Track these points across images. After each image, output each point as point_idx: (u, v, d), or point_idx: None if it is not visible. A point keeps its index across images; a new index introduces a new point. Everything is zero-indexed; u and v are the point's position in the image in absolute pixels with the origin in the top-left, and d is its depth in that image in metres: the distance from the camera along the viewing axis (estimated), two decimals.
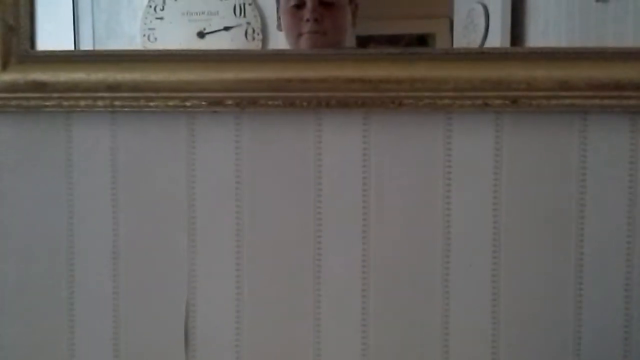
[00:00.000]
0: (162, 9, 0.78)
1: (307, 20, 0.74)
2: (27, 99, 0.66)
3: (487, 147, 0.67)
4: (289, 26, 0.76)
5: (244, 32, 0.78)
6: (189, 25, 0.78)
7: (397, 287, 0.68)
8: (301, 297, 0.68)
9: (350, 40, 0.77)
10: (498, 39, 0.76)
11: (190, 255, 0.69)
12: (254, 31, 0.78)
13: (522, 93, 0.64)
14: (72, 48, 0.75)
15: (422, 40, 0.79)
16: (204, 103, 0.65)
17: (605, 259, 0.67)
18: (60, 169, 0.69)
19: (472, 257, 0.67)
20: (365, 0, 0.77)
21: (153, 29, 0.78)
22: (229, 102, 0.65)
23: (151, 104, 0.65)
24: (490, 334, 0.67)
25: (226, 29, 0.78)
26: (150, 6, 0.78)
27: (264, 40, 0.78)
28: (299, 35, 0.75)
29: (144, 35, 0.78)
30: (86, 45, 0.77)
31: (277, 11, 0.77)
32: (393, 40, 0.79)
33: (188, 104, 0.65)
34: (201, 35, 0.78)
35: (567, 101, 0.64)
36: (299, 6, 0.74)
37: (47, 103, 0.66)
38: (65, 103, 0.66)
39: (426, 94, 0.65)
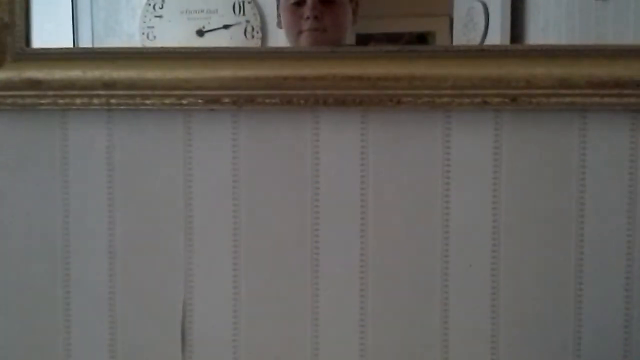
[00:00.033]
0: (161, 7, 0.78)
1: (307, 17, 0.74)
2: (23, 97, 0.66)
3: (487, 145, 0.67)
4: (289, 23, 0.76)
5: (243, 30, 0.78)
6: (188, 23, 0.78)
7: (395, 286, 0.68)
8: (299, 297, 0.68)
9: (350, 39, 0.77)
10: (498, 37, 0.75)
11: (187, 254, 0.69)
12: (253, 29, 0.78)
13: (521, 91, 0.64)
14: (72, 47, 0.75)
15: (422, 38, 0.79)
16: (200, 101, 0.65)
17: (605, 258, 0.66)
18: (56, 167, 0.69)
19: (472, 256, 0.67)
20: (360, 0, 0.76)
21: (152, 27, 0.78)
22: (226, 100, 0.65)
23: (147, 102, 0.65)
24: (489, 335, 0.67)
25: (225, 27, 0.78)
26: (149, 4, 0.78)
27: (263, 39, 0.78)
28: (299, 32, 0.75)
29: (143, 34, 0.78)
30: (85, 44, 0.77)
31: (277, 8, 0.77)
32: (393, 38, 0.79)
33: (184, 102, 0.65)
34: (200, 33, 0.78)
35: (567, 99, 0.64)
36: (299, 3, 0.74)
37: (43, 101, 0.66)
38: (61, 101, 0.66)
39: (425, 91, 0.64)
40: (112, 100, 0.65)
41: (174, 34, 0.78)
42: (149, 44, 0.77)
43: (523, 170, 0.66)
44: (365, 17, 0.76)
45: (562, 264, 0.67)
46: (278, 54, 0.67)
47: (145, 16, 0.78)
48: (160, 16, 0.78)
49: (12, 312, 0.70)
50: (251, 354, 0.69)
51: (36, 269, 0.69)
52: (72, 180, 0.69)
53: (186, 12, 0.78)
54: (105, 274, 0.69)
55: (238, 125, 0.67)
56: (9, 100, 0.66)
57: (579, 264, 0.66)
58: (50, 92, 0.65)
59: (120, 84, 0.65)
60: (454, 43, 0.78)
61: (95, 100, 0.65)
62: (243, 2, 0.78)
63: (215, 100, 0.65)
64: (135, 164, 0.68)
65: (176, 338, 0.69)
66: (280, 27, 0.77)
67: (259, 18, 0.78)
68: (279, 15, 0.77)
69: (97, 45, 0.77)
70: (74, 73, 0.65)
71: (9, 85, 0.65)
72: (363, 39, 0.77)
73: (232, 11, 0.78)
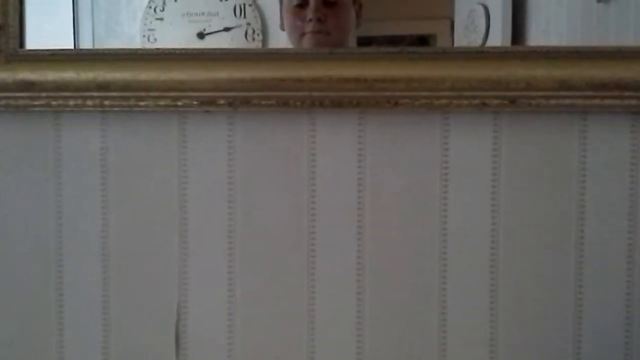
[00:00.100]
0: (162, 10, 0.79)
1: (310, 19, 0.74)
2: (16, 98, 0.65)
3: (485, 147, 0.66)
4: (292, 26, 0.76)
5: (244, 33, 0.78)
6: (189, 26, 0.78)
7: (393, 289, 0.67)
8: (295, 299, 0.68)
9: (351, 41, 0.77)
10: (499, 39, 0.75)
11: (181, 256, 0.68)
12: (254, 32, 0.78)
13: (521, 93, 0.63)
14: (65, 48, 0.74)
15: (423, 41, 0.79)
16: (195, 103, 0.65)
17: (605, 261, 0.66)
18: (49, 169, 0.68)
19: (470, 259, 0.67)
20: (367, 1, 0.76)
21: (153, 29, 0.78)
22: (222, 101, 0.65)
23: (142, 103, 0.65)
24: (488, 338, 0.67)
25: (226, 29, 0.79)
26: (150, 7, 0.79)
27: (264, 41, 0.79)
28: (302, 35, 0.75)
29: (144, 36, 0.78)
30: (86, 46, 0.77)
31: (280, 10, 0.77)
32: (394, 41, 0.79)
33: (179, 103, 0.65)
34: (201, 36, 0.78)
35: (567, 101, 0.64)
36: (302, 5, 0.74)
37: (36, 103, 0.65)
38: (54, 103, 0.65)
39: (423, 93, 0.64)
40: (106, 102, 0.65)
41: (175, 36, 0.78)
42: (150, 46, 0.78)
43: (522, 173, 0.66)
44: (367, 19, 0.76)
45: (562, 267, 0.66)
46: (274, 56, 0.66)
47: (146, 18, 0.78)
48: (161, 19, 0.78)
49: (4, 314, 0.69)
50: (246, 357, 0.68)
51: (29, 271, 0.69)
52: (65, 182, 0.68)
53: (187, 14, 0.79)
54: (99, 276, 0.69)
55: (234, 127, 0.67)
56: (2, 102, 0.66)
57: (579, 267, 0.66)
58: (44, 94, 0.65)
59: (114, 86, 0.65)
60: (456, 46, 0.78)
61: (89, 102, 0.65)
62: (244, 5, 0.79)
63: (211, 102, 0.65)
64: (130, 166, 0.68)
65: (170, 341, 0.68)
66: (283, 29, 0.77)
67: (259, 21, 0.78)
68: (282, 17, 0.77)
69: (97, 47, 0.77)
70: (68, 74, 0.65)
71: (2, 87, 0.65)
72: (364, 42, 0.77)
73: (233, 14, 0.79)
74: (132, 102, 0.65)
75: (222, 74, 0.64)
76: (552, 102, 0.63)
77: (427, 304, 0.67)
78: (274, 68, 0.64)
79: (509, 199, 0.66)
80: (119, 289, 0.69)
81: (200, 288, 0.68)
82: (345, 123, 0.67)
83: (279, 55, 0.66)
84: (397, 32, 0.79)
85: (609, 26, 0.71)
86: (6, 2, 0.65)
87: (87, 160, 0.68)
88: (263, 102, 0.64)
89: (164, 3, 0.78)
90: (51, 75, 0.65)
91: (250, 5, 0.78)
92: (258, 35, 0.78)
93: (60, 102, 0.65)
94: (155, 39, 0.78)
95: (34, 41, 0.68)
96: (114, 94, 0.65)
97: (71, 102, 0.65)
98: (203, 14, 0.79)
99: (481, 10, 0.77)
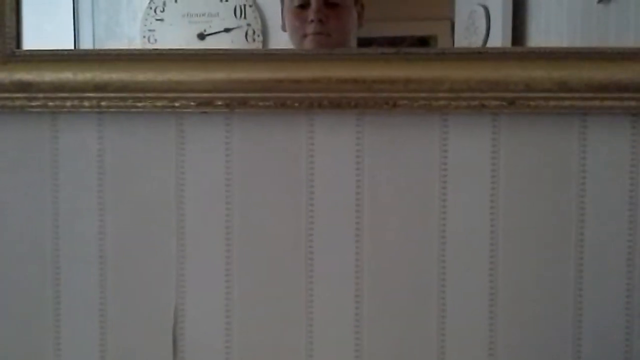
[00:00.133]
0: (163, 11, 0.78)
1: (312, 21, 0.73)
2: (12, 99, 0.65)
3: (484, 149, 0.66)
4: (294, 27, 0.76)
5: (244, 34, 0.78)
6: (189, 26, 0.78)
7: (391, 291, 0.67)
8: (293, 301, 0.68)
9: (353, 42, 0.77)
10: (499, 40, 0.75)
11: (179, 258, 0.68)
12: (254, 33, 0.78)
13: (519, 94, 0.63)
14: (62, 48, 0.74)
15: (424, 42, 0.79)
16: (193, 104, 0.64)
17: (605, 263, 0.66)
18: (46, 170, 0.68)
19: (469, 261, 0.66)
20: (367, 2, 0.76)
21: (153, 30, 0.78)
22: (219, 102, 0.64)
23: (139, 104, 0.65)
24: (487, 340, 0.67)
25: (226, 30, 0.78)
26: (151, 8, 0.78)
27: (265, 42, 0.78)
28: (304, 36, 0.74)
29: (144, 37, 0.78)
30: (86, 46, 0.77)
31: (282, 11, 0.77)
32: (394, 42, 0.79)
33: (177, 104, 0.65)
34: (201, 36, 0.78)
35: (566, 102, 0.63)
36: (304, 6, 0.74)
37: (33, 103, 0.65)
38: (51, 103, 0.65)
39: (421, 94, 0.64)
40: (103, 103, 0.65)
41: (175, 37, 0.78)
42: (150, 47, 0.78)
43: (521, 175, 0.66)
44: (367, 20, 0.76)
45: (562, 269, 0.66)
46: (271, 57, 0.66)
47: (147, 19, 0.78)
48: (161, 19, 0.78)
49: (1, 315, 0.69)
50: (244, 359, 0.68)
51: (26, 272, 0.69)
52: (62, 183, 0.68)
53: (187, 15, 0.79)
54: (96, 278, 0.68)
55: (231, 128, 0.67)
56: None
57: (579, 269, 0.66)
58: (41, 95, 0.65)
59: (112, 86, 0.64)
60: (455, 46, 0.78)
61: (86, 103, 0.65)
62: (244, 6, 0.78)
63: (208, 103, 0.64)
64: (127, 167, 0.68)
65: (168, 343, 0.68)
66: (285, 30, 0.77)
67: (260, 22, 0.78)
68: (283, 18, 0.77)
69: (98, 47, 0.77)
70: (65, 75, 0.64)
71: None
72: (364, 43, 0.77)
73: (233, 15, 0.78)
74: (129, 103, 0.65)
75: (220, 74, 0.64)
76: (552, 103, 0.63)
77: (426, 305, 0.67)
78: (272, 69, 0.64)
79: (508, 201, 0.66)
80: (115, 290, 0.68)
81: (197, 290, 0.68)
82: (343, 124, 0.66)
83: (276, 56, 0.66)
84: (397, 33, 0.79)
85: (609, 27, 0.70)
86: (3, 2, 0.65)
87: (84, 161, 0.68)
88: (261, 103, 0.64)
89: (164, 4, 0.78)
90: (48, 75, 0.64)
91: (250, 6, 0.78)
92: (258, 36, 0.78)
93: (57, 102, 0.65)
94: (156, 40, 0.78)
95: (34, 43, 0.68)
96: (111, 94, 0.64)
97: (68, 103, 0.65)
98: (203, 14, 0.78)
99: (481, 11, 0.77)
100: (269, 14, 0.78)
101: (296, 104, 0.64)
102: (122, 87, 0.64)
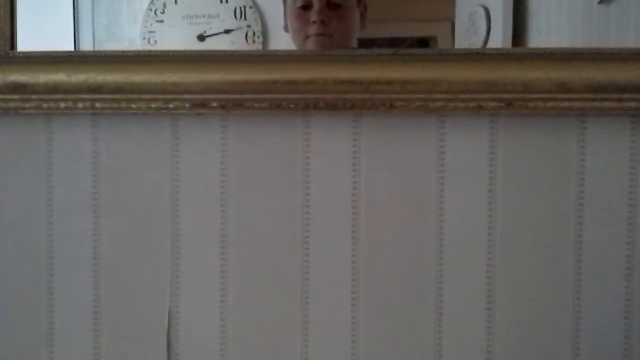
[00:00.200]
0: (163, 13, 0.79)
1: (314, 22, 0.73)
2: (6, 101, 0.65)
3: (482, 151, 0.66)
4: (296, 28, 0.76)
5: (244, 36, 0.78)
6: (189, 28, 0.78)
7: (388, 293, 0.67)
8: (289, 305, 0.67)
9: (355, 43, 0.77)
10: (500, 41, 0.75)
11: (173, 261, 0.68)
12: (254, 34, 0.78)
13: (517, 95, 0.63)
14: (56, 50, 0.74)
15: (424, 43, 0.79)
16: (187, 105, 0.64)
17: (604, 265, 0.65)
18: (40, 172, 0.68)
19: (467, 264, 0.66)
20: (368, 4, 0.76)
21: (154, 32, 0.78)
22: (214, 104, 0.64)
23: (133, 106, 0.64)
24: (485, 342, 0.66)
25: (227, 32, 0.78)
26: (151, 10, 0.79)
27: (265, 44, 0.78)
28: (307, 37, 0.74)
29: (145, 39, 0.78)
30: (87, 48, 0.77)
31: (285, 12, 0.77)
32: (395, 43, 0.79)
33: (172, 106, 0.64)
34: (202, 38, 0.78)
35: (565, 104, 0.63)
36: (306, 7, 0.74)
37: (27, 105, 0.65)
38: (45, 105, 0.65)
39: (419, 96, 0.63)
40: (98, 105, 0.65)
41: (176, 39, 0.78)
42: (151, 49, 0.78)
43: (520, 177, 0.65)
44: (368, 21, 0.76)
45: (561, 271, 0.66)
46: (267, 58, 0.66)
47: (147, 21, 0.78)
48: (161, 21, 0.78)
49: None
50: None
51: (20, 274, 0.69)
52: (57, 186, 0.68)
53: (188, 17, 0.79)
54: (90, 280, 0.68)
55: (227, 130, 0.67)
56: None
57: (578, 272, 0.65)
58: (35, 97, 0.65)
59: (106, 88, 0.64)
60: (456, 48, 0.77)
61: (80, 105, 0.65)
62: (245, 8, 0.78)
63: (203, 105, 0.64)
64: (122, 169, 0.68)
65: (162, 346, 0.68)
66: (287, 31, 0.77)
67: (260, 23, 0.78)
68: (286, 19, 0.77)
69: (98, 49, 0.77)
70: (59, 77, 0.64)
71: None
72: (365, 44, 0.77)
73: (233, 16, 0.79)
74: (124, 104, 0.64)
75: (215, 76, 0.64)
76: (550, 104, 0.63)
77: (423, 308, 0.67)
78: (268, 70, 0.64)
79: (506, 204, 0.66)
80: (110, 293, 0.68)
81: (192, 293, 0.68)
82: (340, 126, 0.66)
83: (272, 58, 0.66)
84: (397, 34, 0.79)
85: (609, 28, 0.70)
86: None
87: (78, 163, 0.68)
88: (256, 105, 0.64)
89: (164, 6, 0.78)
90: (43, 77, 0.64)
91: (250, 8, 0.78)
92: (259, 37, 0.78)
93: (52, 104, 0.65)
94: (156, 42, 0.78)
95: (34, 45, 0.67)
96: (106, 96, 0.64)
97: (62, 105, 0.65)
98: (204, 16, 0.78)
99: (482, 12, 0.77)
100: (270, 16, 0.78)
101: (292, 106, 0.64)
102: (117, 89, 0.64)
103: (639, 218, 0.65)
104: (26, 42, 0.67)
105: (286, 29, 0.77)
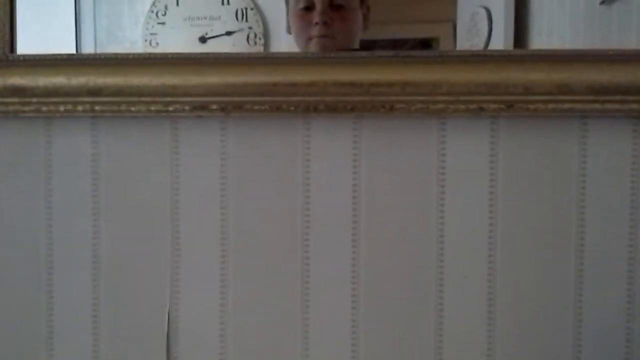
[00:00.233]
0: (164, 14, 0.78)
1: (316, 23, 0.73)
2: (6, 104, 0.65)
3: (482, 152, 0.65)
4: (298, 29, 0.75)
5: (245, 37, 0.78)
6: (190, 30, 0.78)
7: (388, 295, 0.67)
8: (289, 306, 0.67)
9: (358, 44, 0.76)
10: (501, 43, 0.75)
11: (173, 263, 0.68)
12: (255, 36, 0.78)
13: (518, 97, 0.63)
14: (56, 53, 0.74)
15: (426, 44, 0.78)
16: (187, 108, 0.64)
17: (606, 267, 0.65)
18: (40, 175, 0.68)
19: (467, 266, 0.66)
20: (370, 4, 0.76)
21: (155, 34, 0.78)
22: (214, 106, 0.64)
23: (133, 108, 0.64)
24: (486, 344, 0.66)
25: (228, 33, 0.78)
26: (152, 11, 0.78)
27: (266, 45, 0.78)
28: (309, 38, 0.74)
29: (146, 40, 0.78)
30: (88, 51, 0.77)
31: (287, 14, 0.76)
32: (397, 44, 0.78)
33: (171, 108, 0.64)
34: (203, 40, 0.78)
35: (566, 105, 0.63)
36: (309, 8, 0.73)
37: (26, 108, 0.65)
38: (45, 108, 0.65)
39: (419, 98, 0.63)
40: (97, 107, 0.65)
41: (177, 40, 0.78)
42: (152, 51, 0.77)
43: (520, 179, 0.65)
44: (370, 23, 0.76)
45: (562, 273, 0.65)
46: (267, 60, 0.66)
47: (148, 23, 0.78)
48: (163, 23, 0.78)
49: None
50: None
51: (18, 279, 0.69)
52: (56, 188, 0.68)
53: (189, 18, 0.78)
54: (90, 282, 0.68)
55: (226, 132, 0.67)
56: None
57: (579, 274, 0.65)
58: (34, 99, 0.65)
59: (106, 91, 0.64)
60: (457, 49, 0.77)
61: (80, 107, 0.65)
62: (246, 9, 0.78)
63: (203, 107, 0.64)
64: (121, 172, 0.68)
65: (161, 348, 0.68)
66: (290, 33, 0.76)
67: (261, 25, 0.78)
68: (288, 21, 0.76)
69: (99, 51, 0.77)
70: (58, 80, 0.64)
71: None
72: (366, 45, 0.76)
73: (234, 18, 0.78)
74: (123, 107, 0.64)
75: (215, 78, 0.64)
76: (551, 106, 0.63)
77: (423, 309, 0.66)
78: (267, 72, 0.64)
79: (506, 205, 0.65)
80: (109, 295, 0.68)
81: (192, 294, 0.68)
82: (340, 128, 0.66)
83: (272, 60, 0.66)
84: (399, 35, 0.79)
85: (611, 29, 0.70)
86: None
87: (78, 166, 0.68)
88: (256, 107, 0.64)
89: (165, 7, 0.78)
90: (42, 80, 0.64)
91: (252, 9, 0.78)
92: (260, 39, 0.78)
93: (51, 107, 0.65)
94: (157, 44, 0.78)
95: (36, 47, 0.67)
96: (105, 99, 0.64)
97: (62, 108, 0.65)
98: (205, 18, 0.78)
99: (484, 13, 0.76)
100: (271, 17, 0.78)
101: (292, 108, 0.64)
102: (116, 92, 0.64)
103: None
104: (28, 45, 0.67)
105: (288, 30, 0.76)
